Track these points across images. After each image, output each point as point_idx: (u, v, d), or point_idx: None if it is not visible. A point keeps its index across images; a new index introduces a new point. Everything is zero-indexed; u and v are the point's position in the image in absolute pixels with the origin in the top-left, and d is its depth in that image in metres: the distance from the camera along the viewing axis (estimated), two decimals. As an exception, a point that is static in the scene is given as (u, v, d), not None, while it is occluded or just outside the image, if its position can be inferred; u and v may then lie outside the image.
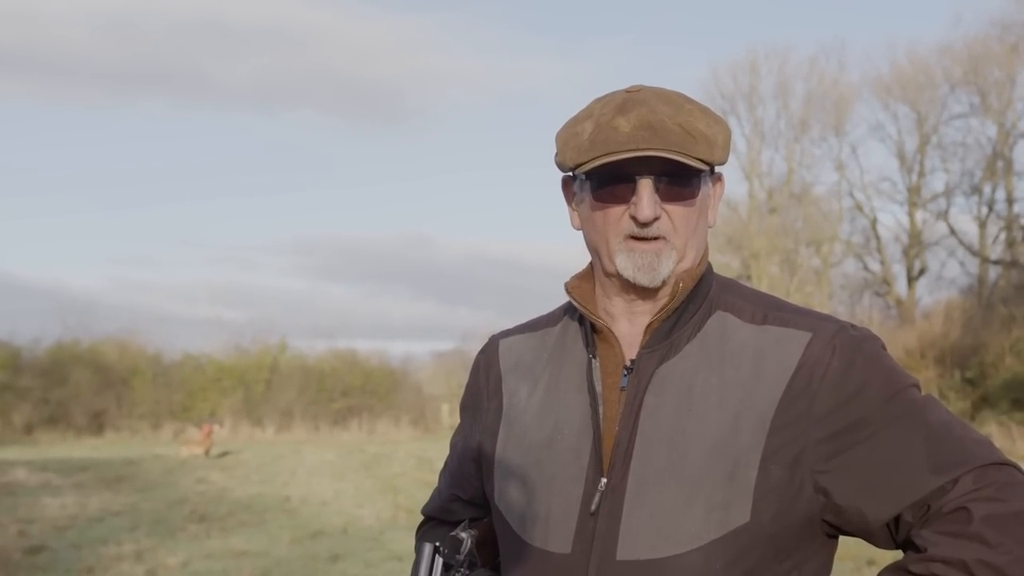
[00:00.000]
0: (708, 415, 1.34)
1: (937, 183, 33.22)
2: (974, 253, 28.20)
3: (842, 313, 27.30)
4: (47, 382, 25.09)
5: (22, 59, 40.71)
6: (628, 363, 1.40)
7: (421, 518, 1.75)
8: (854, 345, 1.35)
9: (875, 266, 30.48)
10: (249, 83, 44.63)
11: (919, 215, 29.28)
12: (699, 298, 1.42)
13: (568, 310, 1.54)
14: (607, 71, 42.02)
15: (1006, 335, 21.75)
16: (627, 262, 1.37)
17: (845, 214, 30.41)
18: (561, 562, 1.36)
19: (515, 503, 1.44)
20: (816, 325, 1.37)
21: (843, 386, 1.32)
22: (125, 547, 8.83)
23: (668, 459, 1.33)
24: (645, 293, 1.40)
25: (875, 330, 1.42)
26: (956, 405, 20.83)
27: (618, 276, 1.39)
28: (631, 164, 1.34)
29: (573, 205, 1.47)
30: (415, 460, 18.43)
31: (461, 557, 1.48)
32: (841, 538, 1.40)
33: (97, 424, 25.69)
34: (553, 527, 1.38)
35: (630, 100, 1.37)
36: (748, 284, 1.50)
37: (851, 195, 30.31)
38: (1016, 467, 1.32)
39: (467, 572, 1.49)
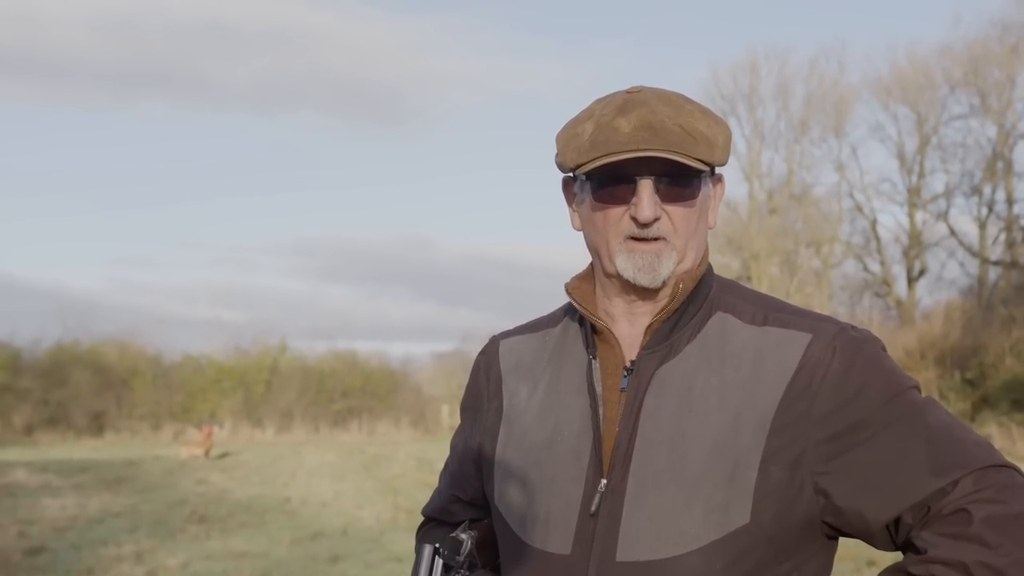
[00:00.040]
0: (708, 416, 1.34)
1: (937, 184, 33.29)
2: (974, 254, 28.21)
3: (842, 314, 27.30)
4: (47, 383, 25.10)
5: (22, 60, 40.76)
6: (628, 364, 1.40)
7: (421, 519, 1.75)
8: (854, 347, 1.35)
9: (875, 267, 30.51)
10: (249, 84, 44.68)
11: (919, 216, 29.32)
12: (699, 299, 1.42)
13: (568, 311, 1.53)
14: (607, 72, 42.06)
15: (1006, 336, 21.74)
16: (627, 263, 1.37)
17: (845, 215, 30.45)
18: (561, 563, 1.36)
19: (515, 504, 1.44)
20: (816, 326, 1.37)
21: (843, 387, 1.32)
22: (125, 548, 8.83)
23: (668, 460, 1.33)
24: (645, 294, 1.40)
25: (875, 331, 1.42)
26: (956, 406, 20.83)
27: (618, 277, 1.39)
28: (631, 165, 1.34)
29: (573, 206, 1.47)
30: (415, 461, 18.43)
31: (461, 558, 1.48)
32: (841, 539, 1.39)
33: (97, 425, 25.70)
34: (553, 528, 1.38)
35: (631, 101, 1.37)
36: (748, 285, 1.49)
37: (851, 196, 30.36)
38: (1016, 469, 1.32)
39: (467, 573, 1.49)
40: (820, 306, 26.71)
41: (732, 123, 28.08)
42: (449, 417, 28.28)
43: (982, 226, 28.08)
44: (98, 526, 10.29)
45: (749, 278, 27.95)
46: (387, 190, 47.96)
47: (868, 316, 27.69)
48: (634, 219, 1.36)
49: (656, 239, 1.36)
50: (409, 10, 48.75)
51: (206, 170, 46.11)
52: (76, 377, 25.43)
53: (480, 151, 47.86)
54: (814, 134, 30.23)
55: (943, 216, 28.86)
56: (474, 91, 47.07)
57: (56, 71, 41.99)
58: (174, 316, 41.77)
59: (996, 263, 27.78)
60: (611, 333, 1.42)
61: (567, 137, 1.41)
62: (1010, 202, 27.57)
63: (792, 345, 1.35)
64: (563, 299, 1.51)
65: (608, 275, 1.41)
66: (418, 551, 1.44)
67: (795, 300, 23.54)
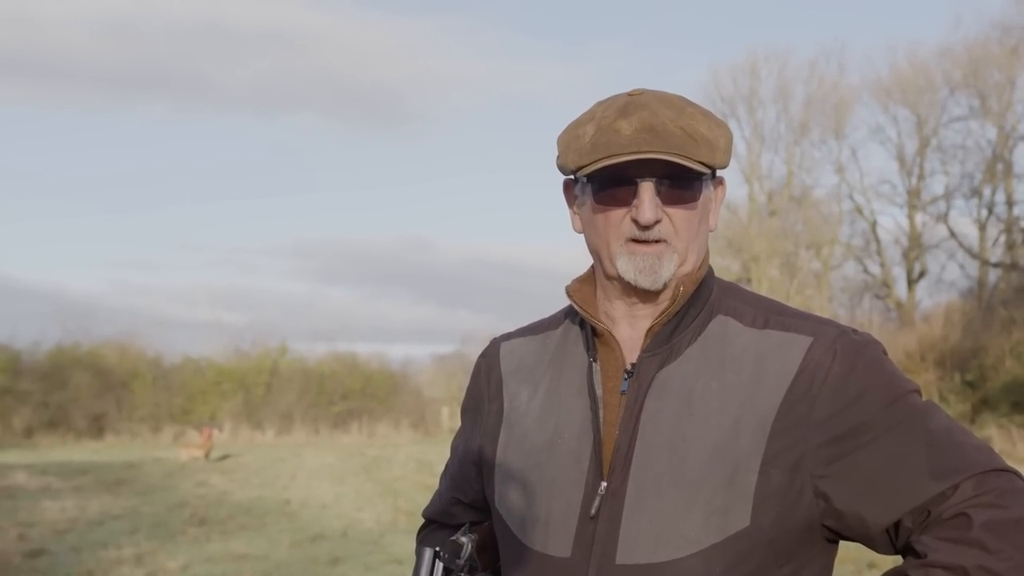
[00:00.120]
0: (708, 419, 1.34)
1: (937, 186, 33.28)
2: (974, 256, 28.22)
3: (842, 316, 27.31)
4: (47, 385, 25.09)
5: (21, 62, 40.76)
6: (629, 367, 1.40)
7: (421, 521, 1.75)
8: (855, 350, 1.35)
9: (875, 269, 30.51)
10: (249, 86, 44.70)
11: (919, 218, 29.33)
12: (700, 302, 1.42)
13: (569, 313, 1.53)
14: (607, 74, 42.09)
15: (1006, 338, 21.75)
16: (628, 265, 1.37)
17: (845, 217, 30.46)
18: (561, 566, 1.36)
19: (515, 506, 1.44)
20: (817, 330, 1.37)
21: (844, 391, 1.32)
22: (125, 550, 8.83)
23: (668, 463, 1.33)
24: (646, 296, 1.40)
25: (875, 333, 1.42)
26: (956, 408, 20.82)
27: (619, 279, 1.39)
28: (632, 167, 1.34)
29: (574, 208, 1.47)
30: (415, 463, 18.42)
31: (461, 561, 1.48)
32: (841, 541, 1.39)
33: (97, 427, 25.69)
34: (553, 531, 1.38)
35: (632, 103, 1.37)
36: (748, 287, 1.50)
37: (851, 198, 30.37)
38: (1016, 474, 1.32)
39: (467, 577, 1.49)
40: (820, 308, 26.72)
41: (732, 125, 28.04)
42: (449, 419, 28.27)
43: (982, 228, 28.10)
44: (98, 528, 10.29)
45: (749, 280, 27.95)
46: (387, 192, 48.02)
47: (868, 318, 27.69)
48: (635, 221, 1.35)
49: (657, 241, 1.36)
50: (409, 12, 48.82)
51: (206, 172, 46.15)
52: (76, 379, 25.42)
53: (480, 153, 47.91)
54: (814, 136, 30.28)
55: (943, 218, 28.90)
56: (474, 93, 47.12)
57: (56, 73, 42.05)
58: (174, 318, 41.79)
59: (996, 265, 27.79)
60: (612, 336, 1.42)
61: (568, 139, 1.41)
62: (1010, 204, 27.60)
63: (793, 348, 1.35)
64: (563, 301, 1.51)
65: (609, 277, 1.41)
66: (418, 554, 1.44)
67: (795, 302, 23.59)
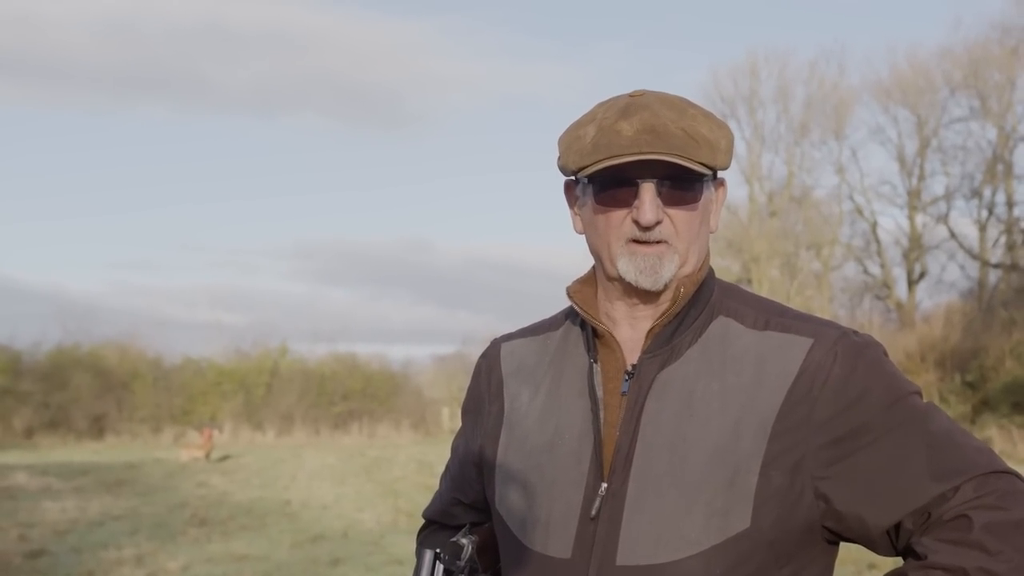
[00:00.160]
0: (709, 420, 1.34)
1: (937, 186, 33.27)
2: (974, 256, 28.22)
3: (842, 316, 27.33)
4: (47, 386, 25.09)
5: (22, 63, 40.78)
6: (629, 368, 1.40)
7: (422, 522, 1.75)
8: (856, 351, 1.35)
9: (875, 269, 30.51)
10: (249, 87, 44.70)
11: (919, 218, 29.32)
12: (701, 303, 1.42)
13: (570, 314, 1.53)
14: (608, 75, 42.10)
15: (1006, 338, 21.74)
16: (629, 265, 1.37)
17: (845, 217, 30.46)
18: (561, 567, 1.36)
19: (516, 507, 1.44)
20: (818, 331, 1.37)
21: (844, 392, 1.32)
22: (125, 551, 8.83)
23: (669, 464, 1.33)
24: (647, 297, 1.40)
25: (875, 333, 1.42)
26: (956, 408, 20.82)
27: (620, 280, 1.39)
28: (634, 168, 1.34)
29: (575, 209, 1.47)
30: (416, 464, 18.42)
31: (462, 563, 1.48)
32: (842, 542, 1.39)
33: (97, 428, 25.69)
34: (553, 532, 1.38)
35: (633, 104, 1.37)
36: (748, 288, 1.50)
37: (851, 198, 30.37)
38: (1017, 475, 1.32)
39: (468, 578, 1.49)
40: (820, 309, 26.71)
41: (732, 126, 28.07)
42: (450, 420, 28.27)
43: (982, 229, 28.10)
44: (98, 529, 10.29)
45: (749, 281, 27.95)
46: (387, 193, 48.01)
47: (868, 319, 27.68)
48: (636, 222, 1.35)
49: (658, 242, 1.36)
50: (409, 12, 48.84)
51: (206, 173, 46.14)
52: (76, 380, 25.42)
53: (480, 154, 47.91)
54: (814, 137, 30.27)
55: (943, 219, 28.90)
56: (474, 94, 47.12)
57: (56, 74, 42.06)
58: (174, 319, 41.81)
59: (996, 266, 27.79)
60: (612, 337, 1.42)
61: (569, 140, 1.42)
62: (1010, 205, 27.60)
63: (793, 350, 1.35)
64: (564, 302, 1.51)
65: (610, 278, 1.41)
66: (419, 556, 1.44)
67: (795, 303, 23.59)
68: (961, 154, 28.73)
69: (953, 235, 28.61)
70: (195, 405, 27.03)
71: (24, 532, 9.89)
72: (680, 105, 1.38)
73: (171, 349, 31.54)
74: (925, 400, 1.37)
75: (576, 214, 1.47)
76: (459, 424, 1.68)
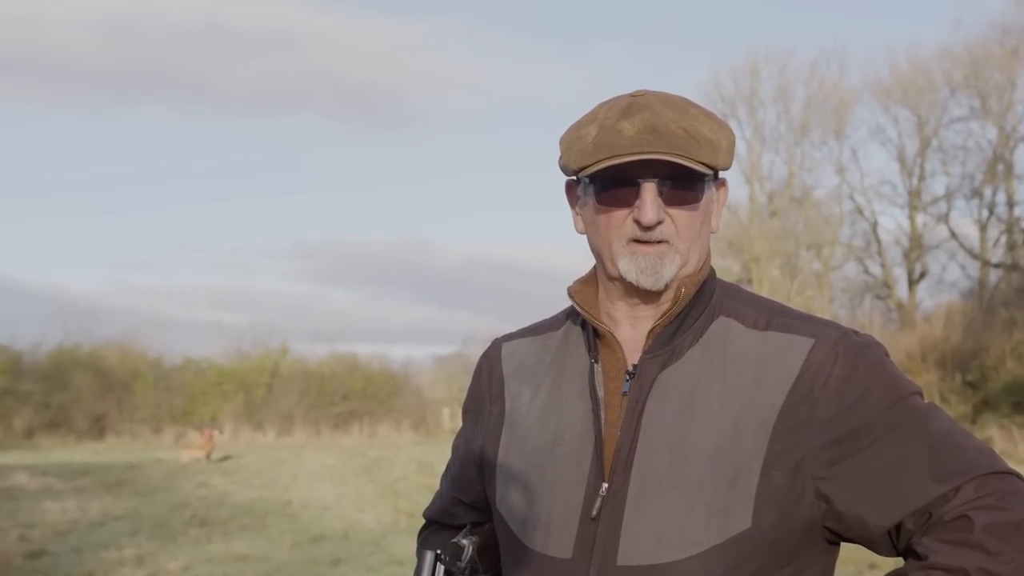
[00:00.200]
0: (710, 421, 1.34)
1: (938, 186, 33.30)
2: (975, 256, 28.22)
3: (843, 316, 27.33)
4: (48, 386, 25.09)
5: (22, 63, 40.79)
6: (630, 368, 1.40)
7: (422, 522, 1.75)
8: (857, 352, 1.35)
9: (876, 269, 30.50)
10: (249, 87, 44.71)
11: (920, 218, 29.32)
12: (702, 303, 1.42)
13: (571, 314, 1.53)
14: (608, 75, 42.10)
15: (1007, 338, 21.74)
16: (630, 265, 1.37)
17: (846, 217, 30.46)
18: (562, 567, 1.36)
19: (516, 507, 1.44)
20: (819, 331, 1.37)
21: (845, 393, 1.32)
22: (126, 551, 8.83)
23: (669, 464, 1.33)
24: (648, 297, 1.40)
25: (876, 333, 1.42)
26: (957, 408, 20.81)
27: (621, 280, 1.39)
28: (635, 168, 1.34)
29: (577, 209, 1.47)
30: (416, 464, 18.42)
31: (463, 564, 1.48)
32: (842, 542, 1.39)
33: (98, 428, 25.68)
34: (554, 532, 1.38)
35: (635, 104, 1.37)
36: (749, 288, 1.50)
37: (852, 198, 30.37)
38: (1018, 476, 1.32)
39: (469, 579, 1.48)
40: (821, 309, 26.71)
41: (732, 126, 27.79)
42: (450, 420, 28.27)
43: (983, 228, 28.10)
44: (99, 529, 10.29)
45: (750, 281, 27.95)
46: (387, 193, 48.02)
47: (869, 319, 27.67)
48: (637, 222, 1.35)
49: (659, 242, 1.36)
50: (409, 13, 48.85)
51: (206, 173, 46.14)
52: (77, 380, 25.42)
53: (480, 154, 47.92)
54: (814, 137, 30.27)
55: (944, 218, 28.89)
56: (474, 94, 47.12)
57: (56, 74, 42.07)
58: (174, 319, 41.82)
59: (997, 265, 27.79)
60: (613, 337, 1.42)
61: (571, 140, 1.42)
62: (1011, 204, 27.59)
63: (794, 350, 1.35)
64: (564, 302, 1.51)
65: (611, 278, 1.41)
66: (420, 557, 1.44)
67: (796, 303, 23.58)
68: (961, 154, 28.76)
69: (954, 235, 28.63)
70: (195, 405, 27.02)
71: (25, 532, 9.89)
72: (682, 105, 1.38)
73: (171, 349, 31.55)
74: (926, 400, 1.37)
75: (577, 214, 1.47)
76: (459, 424, 1.68)
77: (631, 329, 1.42)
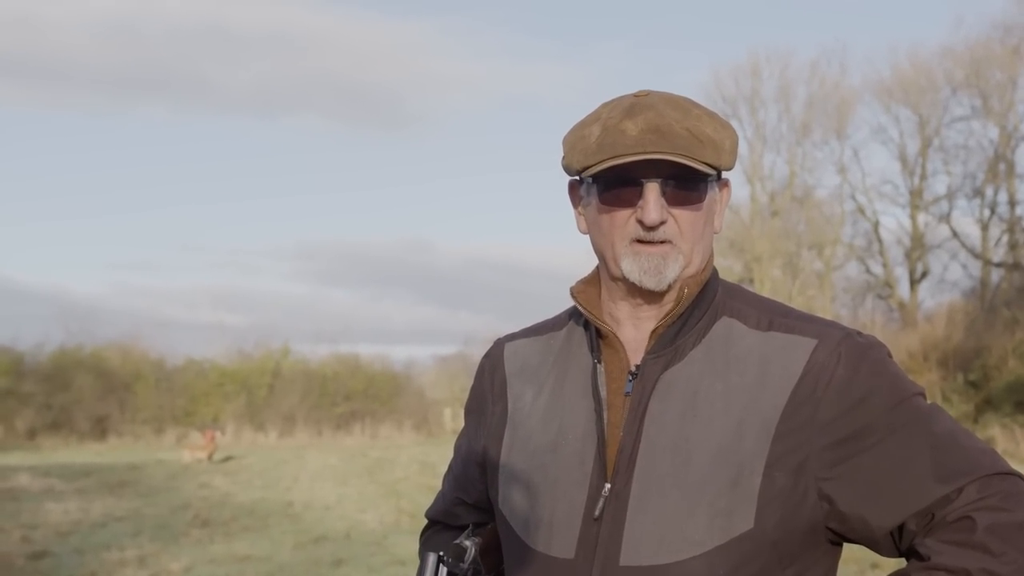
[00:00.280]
0: (713, 421, 1.34)
1: (939, 186, 33.27)
2: (976, 256, 28.20)
3: (844, 316, 27.32)
4: (50, 387, 25.10)
5: (22, 64, 40.79)
6: (633, 368, 1.40)
7: (424, 522, 1.75)
8: (859, 352, 1.35)
9: (877, 269, 30.48)
10: (250, 88, 44.70)
11: (921, 218, 29.29)
12: (704, 304, 1.42)
13: (573, 314, 1.53)
14: (608, 75, 42.08)
15: (1009, 338, 21.71)
16: (633, 265, 1.36)
17: (847, 217, 30.42)
18: (564, 567, 1.36)
19: (519, 507, 1.44)
20: (821, 332, 1.37)
21: (848, 393, 1.32)
22: (128, 552, 8.83)
23: (672, 465, 1.33)
24: (651, 298, 1.40)
25: (877, 333, 1.43)
26: (959, 408, 20.80)
27: (624, 280, 1.39)
28: (638, 168, 1.34)
29: (580, 209, 1.47)
30: (418, 464, 18.41)
31: (465, 565, 1.48)
32: (845, 542, 1.39)
33: (100, 429, 25.69)
34: (557, 532, 1.38)
35: (638, 104, 1.37)
36: (750, 288, 1.50)
37: (853, 198, 30.33)
38: (1021, 477, 1.32)
39: (471, 580, 1.48)
40: (822, 308, 26.70)
41: (734, 125, 27.98)
42: (452, 420, 28.26)
43: (984, 228, 28.07)
44: (101, 530, 10.29)
45: (751, 281, 27.94)
46: (388, 193, 48.00)
47: (870, 318, 27.63)
48: (640, 222, 1.35)
49: (662, 242, 1.36)
50: (409, 13, 48.83)
51: (207, 174, 46.10)
52: (79, 381, 25.43)
53: (481, 154, 47.89)
54: (816, 136, 30.25)
55: (945, 218, 28.86)
56: (475, 94, 47.10)
57: (57, 75, 42.07)
58: (176, 320, 41.80)
59: (998, 265, 27.76)
60: (616, 337, 1.41)
61: (574, 140, 1.41)
62: (1012, 204, 27.56)
63: (797, 350, 1.35)
64: (566, 302, 1.51)
65: (614, 278, 1.41)
66: (422, 559, 1.44)
67: (797, 302, 23.57)
68: (963, 153, 28.73)
69: (955, 234, 28.61)
70: (197, 406, 27.02)
71: (27, 533, 9.90)
72: (685, 105, 1.38)
73: (173, 350, 31.47)
74: (929, 401, 1.37)
75: (580, 214, 1.47)
76: (461, 424, 1.68)
77: (634, 329, 1.42)
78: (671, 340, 1.39)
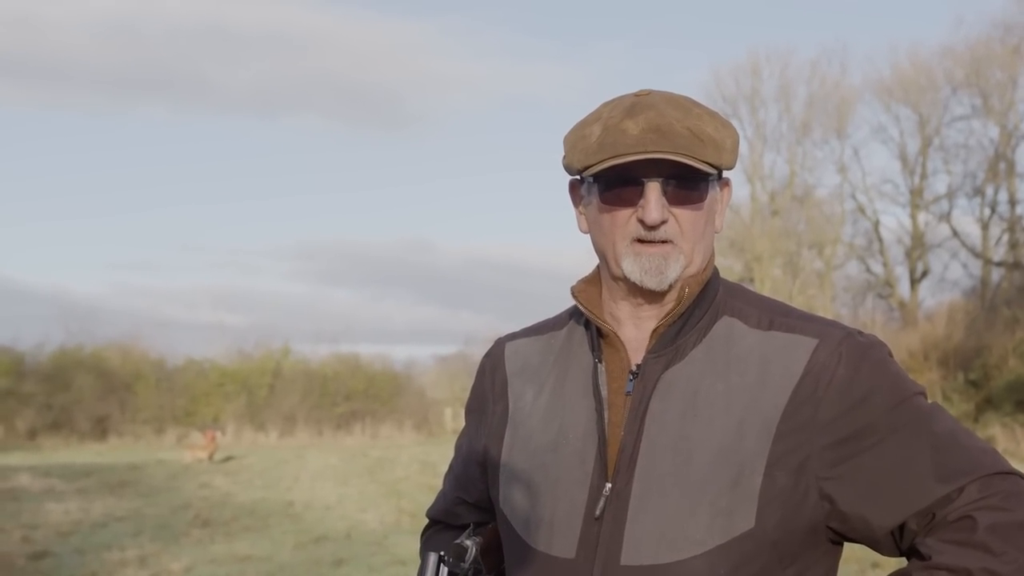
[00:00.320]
0: (713, 420, 1.34)
1: (939, 185, 33.29)
2: (977, 255, 28.19)
3: (845, 315, 27.30)
4: (50, 387, 25.10)
5: (22, 64, 40.79)
6: (634, 368, 1.40)
7: (425, 522, 1.75)
8: (860, 352, 1.35)
9: (878, 268, 30.47)
10: (250, 88, 44.69)
11: (921, 217, 29.28)
12: (705, 303, 1.41)
13: (574, 314, 1.53)
14: (608, 75, 42.08)
15: (1009, 337, 21.71)
16: (634, 265, 1.36)
17: (847, 216, 30.42)
18: (565, 567, 1.36)
19: (520, 507, 1.44)
20: (822, 331, 1.37)
21: (849, 393, 1.32)
22: (129, 552, 8.83)
23: (673, 464, 1.33)
24: (652, 297, 1.40)
25: (878, 332, 1.43)
26: (959, 407, 20.79)
27: (625, 280, 1.39)
28: (639, 167, 1.34)
29: (580, 208, 1.47)
30: (418, 464, 18.41)
31: (466, 565, 1.48)
32: (846, 541, 1.39)
33: (100, 429, 25.68)
34: (557, 531, 1.38)
35: (639, 103, 1.37)
36: (750, 287, 1.50)
37: (853, 197, 30.32)
38: (1022, 476, 1.31)
39: (472, 580, 1.48)
40: (823, 308, 26.69)
41: (734, 125, 27.99)
42: (452, 420, 28.27)
43: (985, 227, 28.06)
44: (102, 530, 10.29)
45: (752, 280, 27.94)
46: (388, 193, 48.03)
47: (871, 318, 27.62)
48: (641, 221, 1.35)
49: (663, 242, 1.36)
50: (409, 13, 48.83)
51: (207, 174, 46.10)
52: (79, 381, 25.42)
53: (481, 154, 47.90)
54: (816, 136, 30.24)
55: (946, 217, 28.86)
56: (474, 94, 47.09)
57: (57, 75, 42.07)
58: (176, 320, 41.81)
59: (999, 264, 27.75)
60: (617, 337, 1.41)
61: (574, 139, 1.41)
62: (1013, 203, 27.55)
63: (798, 350, 1.35)
64: (566, 302, 1.51)
65: (615, 278, 1.41)
66: (423, 559, 1.44)
67: (798, 302, 23.57)
68: (963, 152, 28.73)
69: (956, 233, 28.60)
70: (198, 406, 27.03)
71: (27, 533, 9.90)
72: (686, 104, 1.38)
73: (173, 350, 31.45)
74: (929, 400, 1.37)
75: (581, 213, 1.47)
76: (462, 424, 1.67)
77: (634, 329, 1.42)
78: (672, 339, 1.39)
